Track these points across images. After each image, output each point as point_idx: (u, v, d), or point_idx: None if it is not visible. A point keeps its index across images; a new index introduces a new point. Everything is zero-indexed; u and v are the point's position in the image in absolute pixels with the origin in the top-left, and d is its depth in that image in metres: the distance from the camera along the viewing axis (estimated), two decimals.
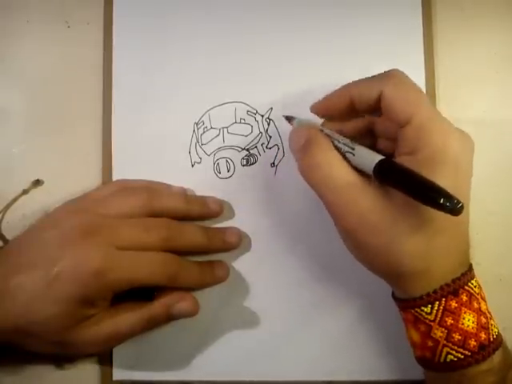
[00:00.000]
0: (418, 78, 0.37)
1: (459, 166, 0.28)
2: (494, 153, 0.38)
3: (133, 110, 0.38)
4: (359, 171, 0.29)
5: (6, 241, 0.37)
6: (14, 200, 0.38)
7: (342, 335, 0.36)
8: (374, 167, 0.27)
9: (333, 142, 0.30)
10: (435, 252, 0.28)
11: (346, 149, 0.29)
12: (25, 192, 0.38)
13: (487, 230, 0.37)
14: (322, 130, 0.31)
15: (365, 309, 0.37)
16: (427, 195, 0.25)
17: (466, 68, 0.38)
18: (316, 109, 0.32)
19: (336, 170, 0.29)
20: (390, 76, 0.30)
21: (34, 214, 0.37)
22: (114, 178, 0.37)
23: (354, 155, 0.29)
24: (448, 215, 0.25)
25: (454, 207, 0.24)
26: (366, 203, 0.28)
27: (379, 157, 0.27)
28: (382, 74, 0.30)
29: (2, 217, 0.37)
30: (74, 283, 0.30)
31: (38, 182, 0.38)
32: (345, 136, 0.30)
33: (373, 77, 0.30)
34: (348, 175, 0.29)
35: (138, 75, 0.38)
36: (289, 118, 0.34)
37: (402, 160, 0.28)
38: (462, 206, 0.24)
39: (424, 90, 0.37)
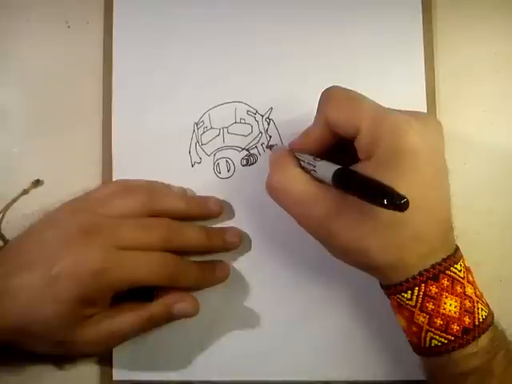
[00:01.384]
0: (418, 78, 0.37)
1: (419, 156, 0.27)
2: (494, 152, 0.38)
3: (133, 110, 0.38)
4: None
5: (6, 241, 0.37)
6: (14, 200, 0.38)
7: (342, 335, 0.36)
8: (332, 177, 0.28)
9: (300, 161, 0.31)
10: (405, 242, 0.28)
11: (311, 167, 0.30)
12: (25, 192, 0.38)
13: (487, 230, 0.37)
14: (291, 151, 0.32)
15: (365, 309, 0.37)
16: (372, 196, 0.25)
17: (466, 68, 0.38)
18: (292, 147, 0.33)
19: (294, 184, 0.30)
20: (328, 98, 0.30)
21: (33, 214, 0.37)
22: (114, 178, 0.37)
23: (316, 172, 0.30)
24: (412, 207, 0.25)
25: (397, 205, 0.24)
26: (323, 210, 0.29)
27: (336, 167, 0.28)
28: (321, 97, 0.31)
29: (2, 217, 0.37)
30: (74, 283, 0.30)
31: (38, 182, 0.38)
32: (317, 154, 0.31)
33: (318, 106, 0.31)
34: (306, 187, 0.30)
35: (138, 75, 0.38)
36: (270, 147, 0.36)
37: (363, 167, 0.28)
38: (406, 203, 0.24)
39: (424, 89, 0.37)
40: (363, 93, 0.30)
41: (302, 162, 0.31)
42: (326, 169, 0.29)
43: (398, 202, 0.24)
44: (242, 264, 0.37)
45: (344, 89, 0.30)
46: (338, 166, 0.28)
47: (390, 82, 0.37)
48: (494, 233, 0.35)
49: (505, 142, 0.38)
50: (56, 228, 0.33)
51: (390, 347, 0.36)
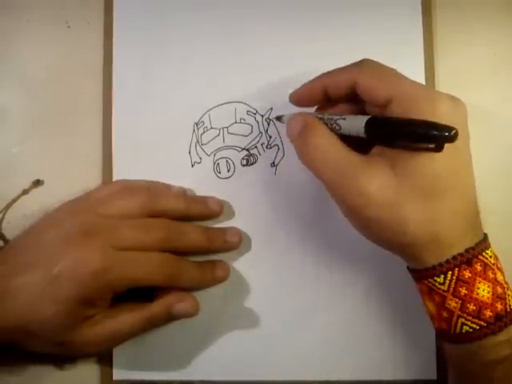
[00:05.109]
0: (418, 78, 0.37)
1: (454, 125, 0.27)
2: (494, 153, 0.38)
3: (133, 110, 0.38)
4: (357, 149, 0.30)
5: (6, 241, 0.37)
6: (14, 200, 0.38)
7: (342, 335, 0.36)
8: (365, 127, 0.28)
9: (327, 123, 0.31)
10: (440, 217, 0.28)
11: (337, 123, 0.30)
12: (25, 192, 0.38)
13: (488, 230, 0.36)
14: (315, 116, 0.31)
15: (366, 309, 0.37)
16: (417, 134, 0.25)
17: (466, 68, 0.38)
18: (293, 97, 0.33)
19: (334, 151, 0.29)
20: (361, 65, 0.30)
21: (34, 214, 0.37)
22: (114, 178, 0.37)
23: (340, 127, 0.30)
24: (448, 177, 0.27)
25: (447, 136, 0.24)
26: (366, 179, 0.28)
27: (367, 117, 0.28)
28: (353, 64, 0.31)
29: (3, 217, 0.37)
30: (74, 283, 0.30)
31: (38, 182, 0.38)
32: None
33: (345, 67, 0.31)
34: (346, 154, 0.29)
35: (138, 75, 0.38)
36: (279, 118, 0.36)
37: None
38: (456, 132, 0.24)
39: None
40: None
41: (328, 122, 0.31)
42: (356, 121, 0.29)
43: (447, 133, 0.24)
44: (241, 264, 0.37)
45: (377, 62, 0.30)
46: (369, 116, 0.28)
47: None
48: (494, 232, 0.35)
49: (505, 142, 0.38)
50: (56, 228, 0.33)
51: (391, 347, 0.36)
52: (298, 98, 0.33)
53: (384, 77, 0.29)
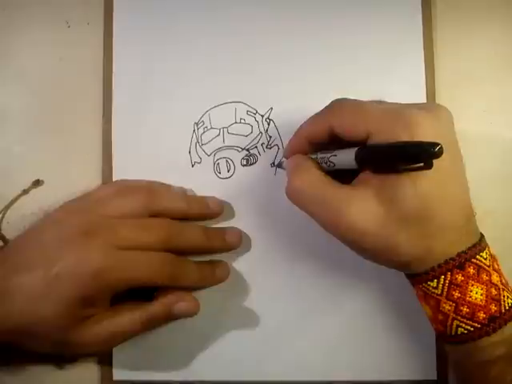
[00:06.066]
0: (418, 78, 0.37)
1: None
2: (493, 152, 0.38)
3: (133, 110, 0.38)
4: (347, 181, 0.30)
5: (6, 241, 0.37)
6: (14, 200, 0.38)
7: (343, 335, 0.36)
8: (355, 158, 0.28)
9: (318, 161, 0.31)
10: (433, 233, 0.28)
11: (330, 160, 0.30)
12: (25, 192, 0.38)
13: (485, 230, 0.36)
14: (307, 156, 0.32)
15: (366, 309, 0.37)
16: (405, 155, 0.26)
17: (466, 68, 0.38)
18: (287, 156, 0.34)
19: (319, 186, 0.30)
20: (332, 108, 0.31)
21: (33, 214, 0.37)
22: (114, 178, 0.37)
23: (334, 164, 0.30)
24: (435, 197, 0.27)
25: (433, 152, 0.25)
26: (351, 212, 0.28)
27: (355, 149, 0.29)
28: (325, 108, 0.31)
29: (2, 217, 0.37)
30: (74, 283, 0.30)
31: (38, 182, 0.38)
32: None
33: (318, 113, 0.31)
34: (330, 189, 0.29)
35: (138, 75, 0.38)
36: (279, 164, 0.37)
37: None
38: (441, 149, 0.24)
39: (424, 89, 0.37)
40: (364, 93, 0.30)
41: (319, 160, 0.31)
42: (346, 154, 0.29)
43: (433, 150, 0.24)
44: (242, 264, 0.37)
45: (347, 98, 0.31)
46: (356, 148, 0.29)
47: (390, 81, 0.37)
48: (492, 233, 0.35)
49: (504, 142, 0.38)
50: (56, 228, 0.33)
51: (391, 347, 0.36)
52: (290, 155, 0.33)
53: (356, 114, 0.29)
